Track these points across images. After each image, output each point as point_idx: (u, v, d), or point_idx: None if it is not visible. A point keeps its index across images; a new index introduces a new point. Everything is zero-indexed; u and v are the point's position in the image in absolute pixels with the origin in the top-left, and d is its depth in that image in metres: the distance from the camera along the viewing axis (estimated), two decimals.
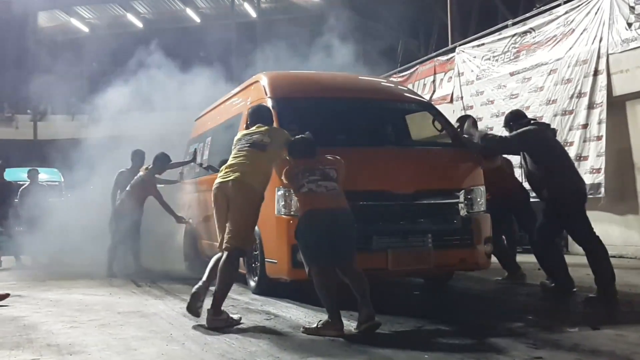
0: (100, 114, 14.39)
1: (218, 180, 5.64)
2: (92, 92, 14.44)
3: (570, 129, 10.92)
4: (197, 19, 28.93)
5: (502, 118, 12.18)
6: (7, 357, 4.31)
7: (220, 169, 5.77)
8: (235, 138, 5.92)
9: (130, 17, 28.80)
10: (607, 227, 10.79)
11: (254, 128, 5.85)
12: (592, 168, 10.43)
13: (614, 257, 9.98)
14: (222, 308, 5.34)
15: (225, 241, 5.45)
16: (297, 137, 5.64)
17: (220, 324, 5.22)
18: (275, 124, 6.19)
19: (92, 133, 14.32)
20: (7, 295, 6.15)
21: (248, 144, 5.69)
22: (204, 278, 5.56)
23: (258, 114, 6.02)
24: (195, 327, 5.25)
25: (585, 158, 10.64)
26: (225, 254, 5.42)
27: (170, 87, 13.37)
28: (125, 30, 27.61)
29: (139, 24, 29.65)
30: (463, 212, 6.51)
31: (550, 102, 11.36)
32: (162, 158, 9.94)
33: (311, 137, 5.60)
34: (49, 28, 29.10)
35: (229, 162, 5.72)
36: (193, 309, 5.45)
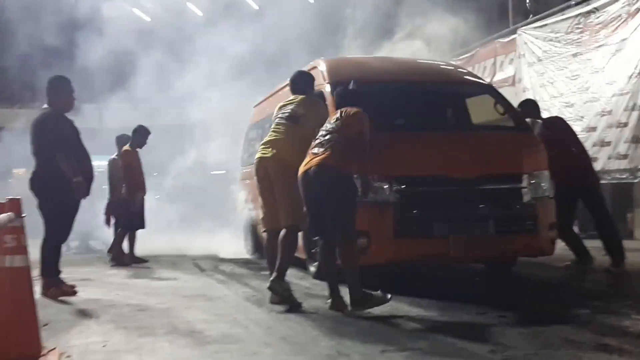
0: (159, 103, 14.64)
1: (257, 155, 5.84)
2: (152, 82, 14.72)
3: (625, 110, 10.50)
4: (256, 6, 28.88)
5: (561, 99, 12.00)
6: (77, 339, 4.46)
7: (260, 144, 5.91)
8: (275, 109, 6.02)
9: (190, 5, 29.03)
10: None
11: (291, 97, 5.94)
12: None
13: None
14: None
15: (281, 222, 5.61)
16: (341, 88, 5.69)
17: (279, 288, 5.38)
18: (331, 109, 6.15)
19: (155, 121, 14.60)
20: (74, 292, 6.31)
21: (283, 117, 5.79)
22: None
23: (297, 82, 6.08)
24: (258, 312, 5.33)
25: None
26: (283, 231, 5.56)
27: (230, 74, 13.49)
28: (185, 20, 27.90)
29: (199, 13, 29.74)
30: (526, 197, 6.38)
31: (611, 83, 10.96)
32: (140, 131, 9.61)
33: (356, 88, 5.65)
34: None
35: (266, 138, 5.86)
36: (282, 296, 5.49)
